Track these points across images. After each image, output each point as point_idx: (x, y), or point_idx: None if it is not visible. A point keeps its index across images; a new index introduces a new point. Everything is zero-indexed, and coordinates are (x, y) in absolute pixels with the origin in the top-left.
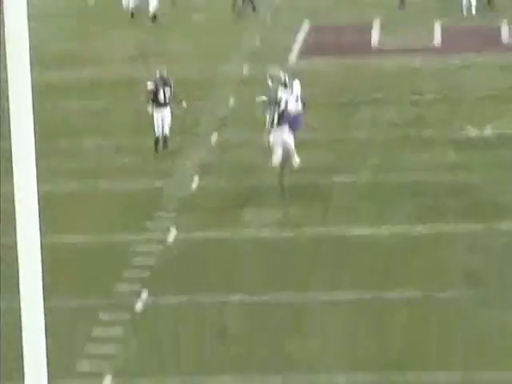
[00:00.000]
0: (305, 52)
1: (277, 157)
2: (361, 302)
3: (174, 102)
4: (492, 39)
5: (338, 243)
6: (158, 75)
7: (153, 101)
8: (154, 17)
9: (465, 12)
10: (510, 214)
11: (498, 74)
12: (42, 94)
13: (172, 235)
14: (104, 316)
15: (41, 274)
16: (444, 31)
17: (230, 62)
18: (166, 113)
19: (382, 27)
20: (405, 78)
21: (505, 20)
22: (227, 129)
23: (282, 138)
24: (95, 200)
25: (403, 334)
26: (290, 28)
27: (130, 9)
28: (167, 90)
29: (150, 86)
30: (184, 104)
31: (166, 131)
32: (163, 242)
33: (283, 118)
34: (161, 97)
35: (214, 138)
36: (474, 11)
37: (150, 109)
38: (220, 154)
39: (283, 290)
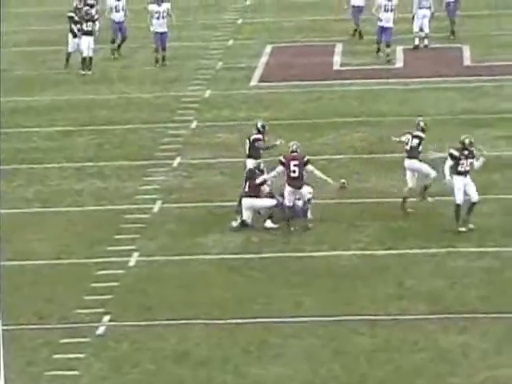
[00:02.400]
0: (267, 75)
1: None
2: (325, 326)
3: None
4: (454, 62)
5: (300, 266)
6: None
7: None
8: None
9: (417, 41)
10: (470, 237)
11: (460, 96)
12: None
13: (134, 259)
14: (65, 340)
15: None
16: (406, 53)
17: (192, 84)
18: None
19: (345, 49)
20: (367, 100)
21: (466, 43)
22: (190, 152)
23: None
24: (57, 223)
25: (367, 358)
26: (252, 51)
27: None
28: None
29: None
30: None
31: None
32: (125, 265)
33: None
34: None
35: (177, 161)
36: (426, 42)
37: None
38: (183, 177)
39: (246, 315)
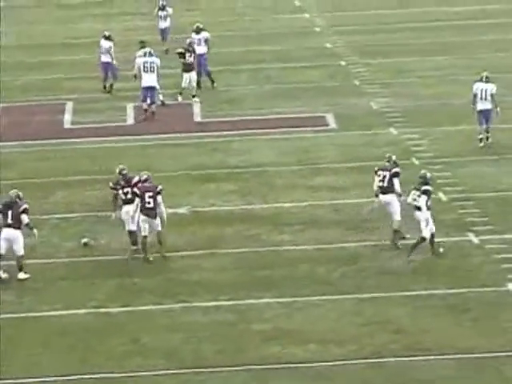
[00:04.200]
0: None
1: None
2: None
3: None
4: (185, 118)
5: (36, 326)
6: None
7: None
8: None
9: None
10: (204, 291)
11: (192, 152)
12: None
13: None
14: None
15: None
16: (137, 110)
17: None
18: None
19: (75, 108)
20: (99, 158)
21: (196, 99)
22: None
23: None
24: None
25: None
26: None
27: None
28: None
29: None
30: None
31: None
32: None
33: None
34: None
35: None
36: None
37: None
38: None
39: None
